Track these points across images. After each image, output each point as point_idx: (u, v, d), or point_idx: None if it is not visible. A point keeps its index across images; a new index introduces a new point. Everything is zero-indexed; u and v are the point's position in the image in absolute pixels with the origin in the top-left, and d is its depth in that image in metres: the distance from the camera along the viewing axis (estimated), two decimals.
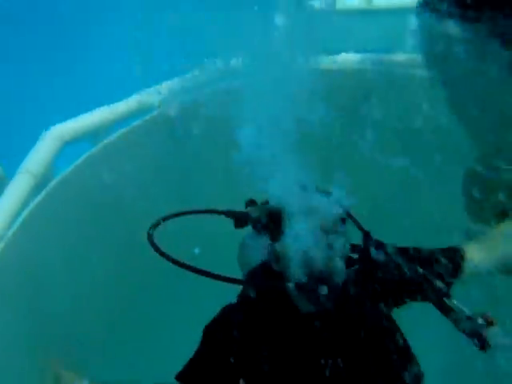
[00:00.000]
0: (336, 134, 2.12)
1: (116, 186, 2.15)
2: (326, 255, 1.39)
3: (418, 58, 2.29)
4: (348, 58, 2.57)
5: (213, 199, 2.57)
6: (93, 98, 2.68)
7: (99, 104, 2.30)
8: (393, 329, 1.57)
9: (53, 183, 1.85)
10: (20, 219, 1.69)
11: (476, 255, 1.64)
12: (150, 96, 2.30)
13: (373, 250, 1.61)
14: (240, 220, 1.61)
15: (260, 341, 1.48)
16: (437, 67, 2.15)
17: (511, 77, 1.86)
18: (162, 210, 2.39)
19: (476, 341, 1.49)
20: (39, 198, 1.76)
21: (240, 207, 2.54)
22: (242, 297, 1.54)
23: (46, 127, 2.12)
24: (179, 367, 2.28)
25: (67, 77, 5.53)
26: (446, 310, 1.55)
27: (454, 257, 1.61)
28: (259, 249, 1.55)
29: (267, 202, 1.59)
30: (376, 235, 1.97)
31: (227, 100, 2.44)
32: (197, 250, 2.05)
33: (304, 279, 1.38)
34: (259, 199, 1.84)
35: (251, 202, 1.64)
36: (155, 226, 1.64)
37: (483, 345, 1.47)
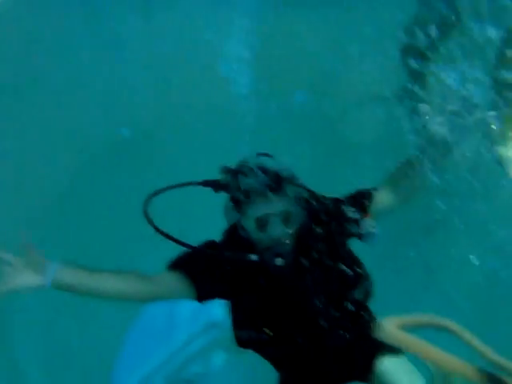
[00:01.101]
0: None
1: None
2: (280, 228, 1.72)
3: None
4: None
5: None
6: None
7: None
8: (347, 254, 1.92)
9: None
10: None
11: (384, 198, 1.98)
12: None
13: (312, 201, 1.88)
14: (216, 187, 1.77)
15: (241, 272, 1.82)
16: None
17: None
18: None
19: (356, 234, 1.88)
20: None
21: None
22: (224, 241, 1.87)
23: None
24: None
25: None
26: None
27: (365, 198, 1.95)
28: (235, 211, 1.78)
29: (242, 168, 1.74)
30: None
31: None
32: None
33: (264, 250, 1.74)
34: None
35: (225, 170, 1.78)
36: (147, 202, 1.77)
37: (359, 236, 1.86)
